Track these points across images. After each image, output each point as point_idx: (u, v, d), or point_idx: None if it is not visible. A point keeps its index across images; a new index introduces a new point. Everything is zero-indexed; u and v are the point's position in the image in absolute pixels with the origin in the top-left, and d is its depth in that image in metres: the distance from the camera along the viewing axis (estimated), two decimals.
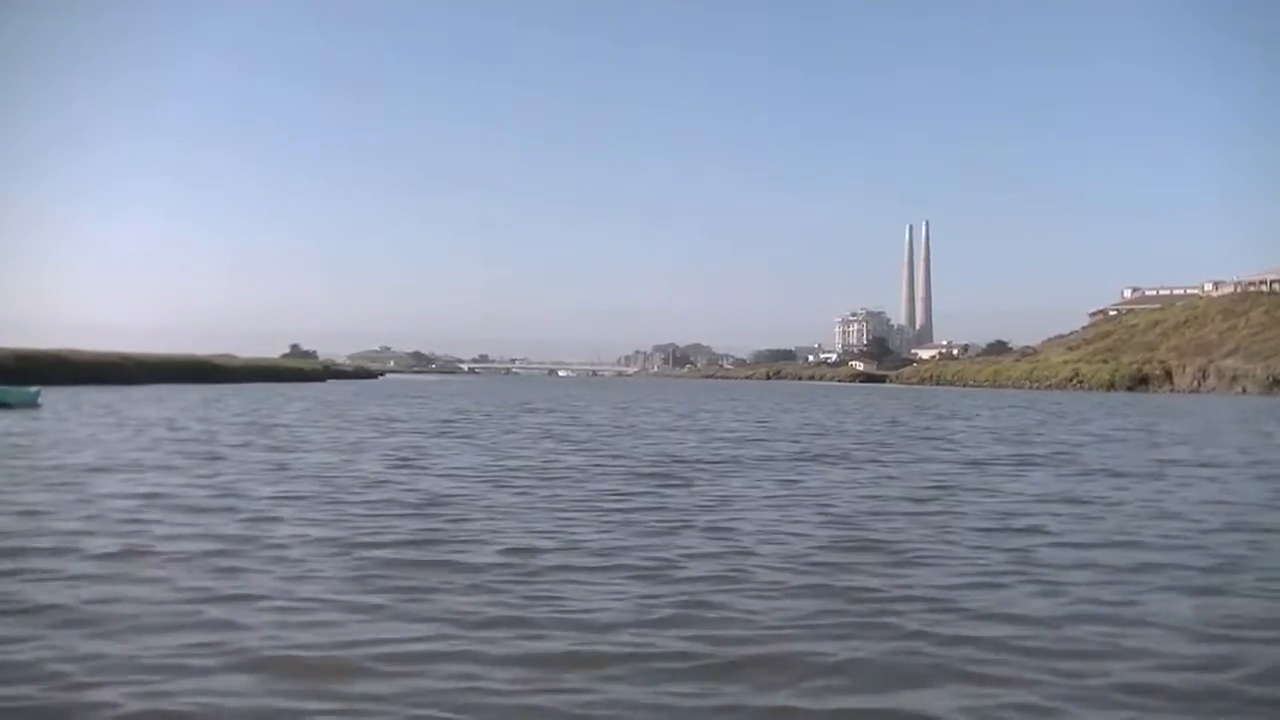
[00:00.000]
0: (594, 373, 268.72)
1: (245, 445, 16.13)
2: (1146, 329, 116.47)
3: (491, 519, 8.97)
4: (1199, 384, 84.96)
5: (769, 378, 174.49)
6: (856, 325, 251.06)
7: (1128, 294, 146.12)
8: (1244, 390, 79.18)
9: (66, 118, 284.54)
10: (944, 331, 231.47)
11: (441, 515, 9.13)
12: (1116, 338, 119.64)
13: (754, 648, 4.97)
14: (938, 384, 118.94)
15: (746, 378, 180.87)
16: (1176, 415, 37.11)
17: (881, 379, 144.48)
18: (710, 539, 8.16)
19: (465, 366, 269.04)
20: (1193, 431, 26.27)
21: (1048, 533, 8.79)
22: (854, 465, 15.01)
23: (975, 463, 15.76)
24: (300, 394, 39.28)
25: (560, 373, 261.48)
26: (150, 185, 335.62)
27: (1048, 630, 5.38)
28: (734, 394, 61.68)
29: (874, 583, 6.53)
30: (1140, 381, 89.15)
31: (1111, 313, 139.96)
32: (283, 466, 12.94)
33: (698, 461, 15.18)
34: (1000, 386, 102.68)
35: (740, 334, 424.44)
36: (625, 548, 7.62)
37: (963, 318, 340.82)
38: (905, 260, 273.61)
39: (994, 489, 12.08)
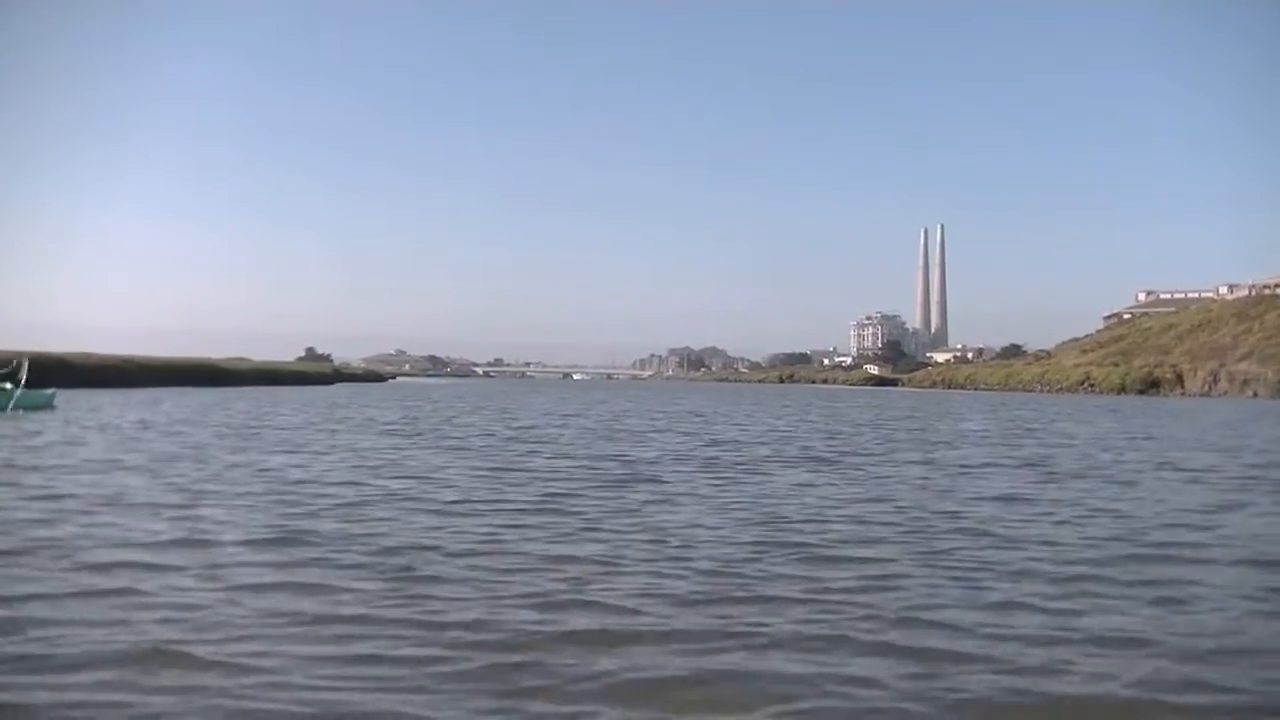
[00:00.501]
0: (609, 376, 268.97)
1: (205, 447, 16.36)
2: (1160, 332, 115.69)
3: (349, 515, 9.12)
4: (1210, 387, 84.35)
5: (782, 381, 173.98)
6: (871, 329, 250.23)
7: (1142, 297, 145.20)
8: (1255, 394, 78.55)
9: (68, 116, 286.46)
10: (959, 335, 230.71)
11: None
12: (1130, 341, 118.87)
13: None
14: (949, 387, 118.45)
15: (760, 381, 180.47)
16: (1167, 417, 36.95)
17: (894, 382, 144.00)
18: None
19: (480, 370, 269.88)
20: (1169, 434, 26.19)
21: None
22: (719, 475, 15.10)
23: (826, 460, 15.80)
24: (295, 398, 39.54)
25: (575, 376, 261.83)
26: (158, 185, 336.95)
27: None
28: (727, 397, 61.69)
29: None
30: (1151, 385, 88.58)
31: (1126, 316, 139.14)
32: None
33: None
34: (1011, 390, 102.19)
35: (756, 337, 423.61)
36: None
37: (978, 321, 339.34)
38: (920, 264, 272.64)
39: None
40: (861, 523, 8.89)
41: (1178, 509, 10.29)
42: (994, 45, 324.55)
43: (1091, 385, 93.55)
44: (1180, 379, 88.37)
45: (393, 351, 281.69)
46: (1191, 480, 13.47)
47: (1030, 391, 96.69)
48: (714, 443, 19.51)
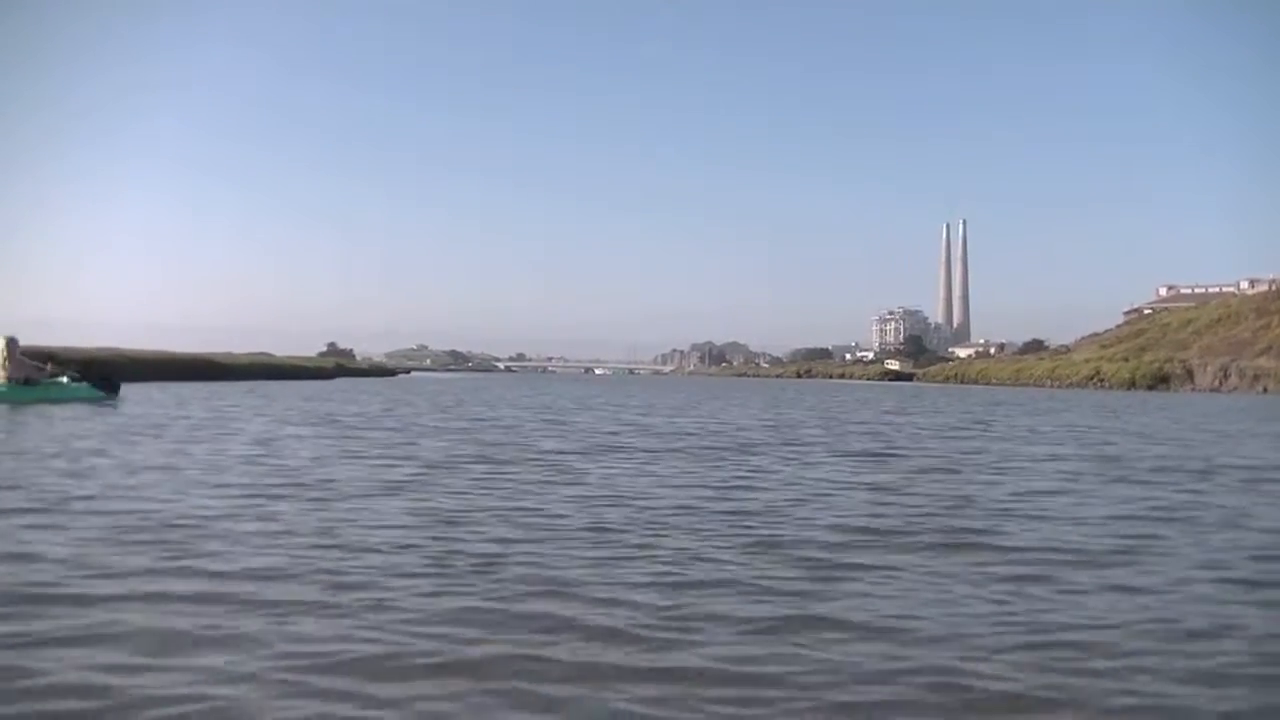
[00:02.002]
0: (631, 371, 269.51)
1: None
2: (1179, 327, 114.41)
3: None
4: (1220, 383, 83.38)
5: (799, 376, 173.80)
6: (894, 324, 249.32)
7: (1163, 292, 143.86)
8: (1265, 389, 77.58)
9: (83, 103, 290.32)
10: (982, 330, 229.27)
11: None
12: (1149, 336, 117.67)
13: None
14: (962, 382, 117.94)
15: (778, 376, 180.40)
16: (1155, 411, 36.71)
17: (910, 377, 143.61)
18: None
19: (502, 365, 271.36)
20: (1126, 427, 26.13)
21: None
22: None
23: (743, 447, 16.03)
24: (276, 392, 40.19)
25: (597, 371, 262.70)
26: (181, 179, 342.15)
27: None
28: (725, 391, 61.84)
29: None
30: (1161, 380, 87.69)
31: (1146, 311, 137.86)
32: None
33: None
34: (1023, 384, 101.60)
35: (778, 333, 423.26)
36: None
37: (1001, 316, 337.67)
38: (943, 258, 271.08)
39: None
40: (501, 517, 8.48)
41: (941, 495, 10.48)
42: (1017, 41, 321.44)
43: (1101, 380, 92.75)
44: (1190, 374, 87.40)
45: (414, 346, 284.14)
46: (1058, 471, 13.60)
47: (1041, 386, 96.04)
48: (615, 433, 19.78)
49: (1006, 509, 9.29)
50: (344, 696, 3.87)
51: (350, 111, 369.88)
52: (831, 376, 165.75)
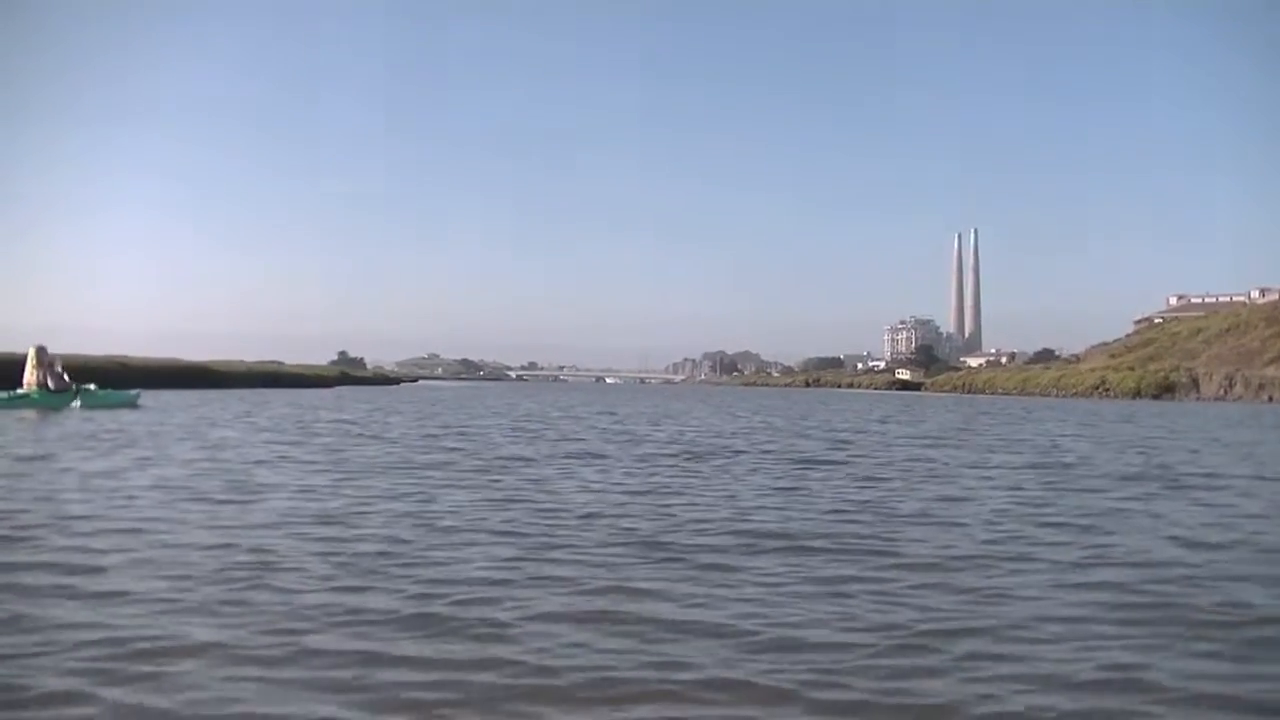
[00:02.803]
0: (642, 380, 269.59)
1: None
2: (1189, 336, 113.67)
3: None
4: (1225, 391, 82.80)
5: (808, 385, 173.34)
6: (905, 333, 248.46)
7: (1173, 301, 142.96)
8: (1270, 398, 76.98)
9: (84, 113, 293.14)
10: (994, 339, 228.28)
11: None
12: (1159, 345, 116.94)
13: None
14: (969, 391, 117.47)
15: (786, 385, 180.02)
16: (1149, 419, 36.59)
17: (918, 387, 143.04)
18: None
19: (513, 374, 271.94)
20: (1102, 435, 26.14)
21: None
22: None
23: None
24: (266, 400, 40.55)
25: (608, 380, 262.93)
26: (193, 191, 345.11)
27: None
28: (722, 400, 61.96)
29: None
30: (1166, 389, 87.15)
31: (1156, 320, 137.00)
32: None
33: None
34: (1029, 394, 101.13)
35: (791, 342, 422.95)
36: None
37: (1013, 326, 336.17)
38: (954, 268, 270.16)
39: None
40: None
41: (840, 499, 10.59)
42: (1026, 52, 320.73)
43: (1106, 390, 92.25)
44: (1195, 383, 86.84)
45: (425, 355, 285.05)
46: (981, 477, 13.68)
47: (1046, 396, 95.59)
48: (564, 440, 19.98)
49: (891, 513, 9.41)
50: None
51: (360, 122, 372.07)
52: (840, 386, 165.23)
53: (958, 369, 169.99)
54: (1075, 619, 5.26)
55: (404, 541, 7.18)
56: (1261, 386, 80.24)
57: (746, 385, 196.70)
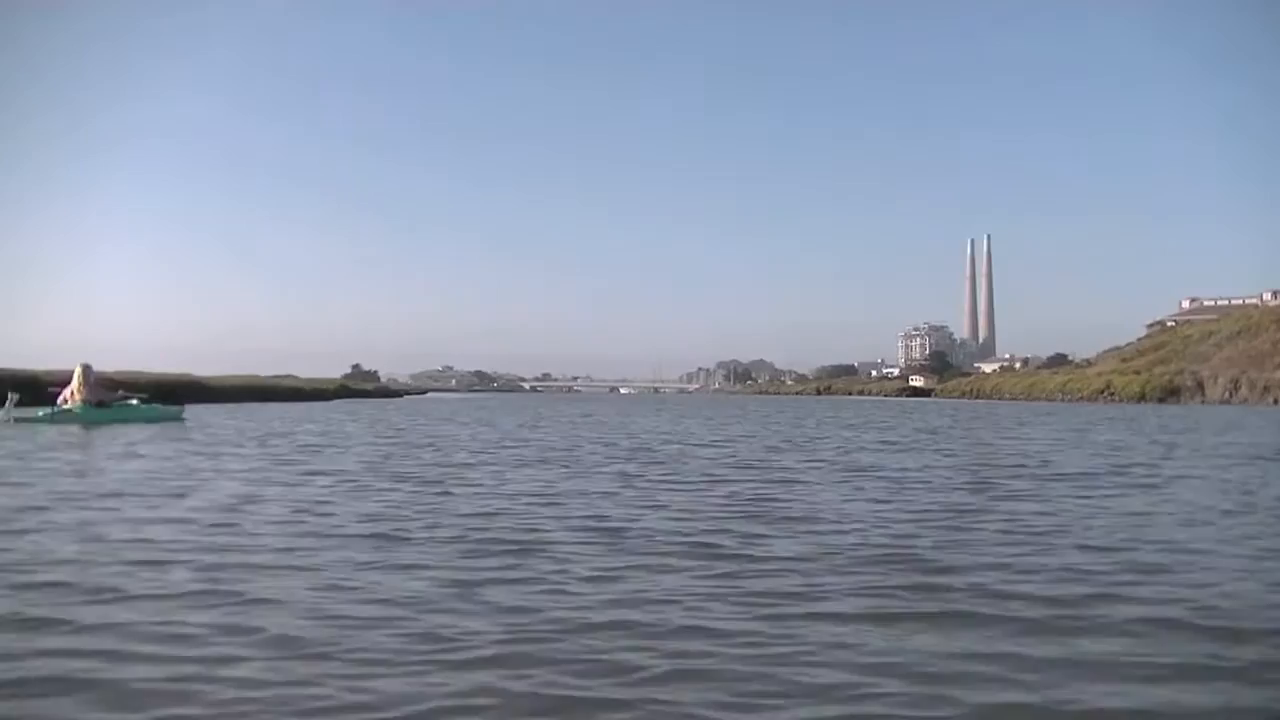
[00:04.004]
0: (655, 390, 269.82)
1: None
2: (1200, 339, 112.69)
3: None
4: (1231, 394, 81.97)
5: (819, 393, 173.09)
6: (919, 339, 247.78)
7: (1186, 304, 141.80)
8: (1276, 400, 76.14)
9: (102, 125, 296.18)
10: (1008, 345, 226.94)
11: None
12: (1170, 348, 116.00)
13: None
14: (977, 397, 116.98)
15: (798, 394, 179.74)
16: (1133, 423, 36.40)
17: (928, 393, 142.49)
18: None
19: (527, 385, 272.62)
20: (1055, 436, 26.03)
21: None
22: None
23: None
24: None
25: (622, 390, 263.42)
26: (214, 206, 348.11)
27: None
28: (727, 410, 62.02)
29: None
30: (1172, 392, 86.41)
31: (1169, 323, 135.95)
32: None
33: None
34: (1036, 399, 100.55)
35: (807, 350, 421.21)
36: None
37: (1027, 331, 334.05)
38: (967, 274, 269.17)
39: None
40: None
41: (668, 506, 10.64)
42: (1040, 54, 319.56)
43: (1112, 394, 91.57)
44: (1201, 386, 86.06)
45: (439, 368, 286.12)
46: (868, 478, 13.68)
47: (1052, 400, 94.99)
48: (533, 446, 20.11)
49: (758, 514, 9.45)
50: None
51: (374, 133, 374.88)
52: (850, 393, 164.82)
53: (971, 375, 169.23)
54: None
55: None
56: (1267, 389, 79.37)
57: (759, 394, 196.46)
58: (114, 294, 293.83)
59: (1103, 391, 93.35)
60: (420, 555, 6.85)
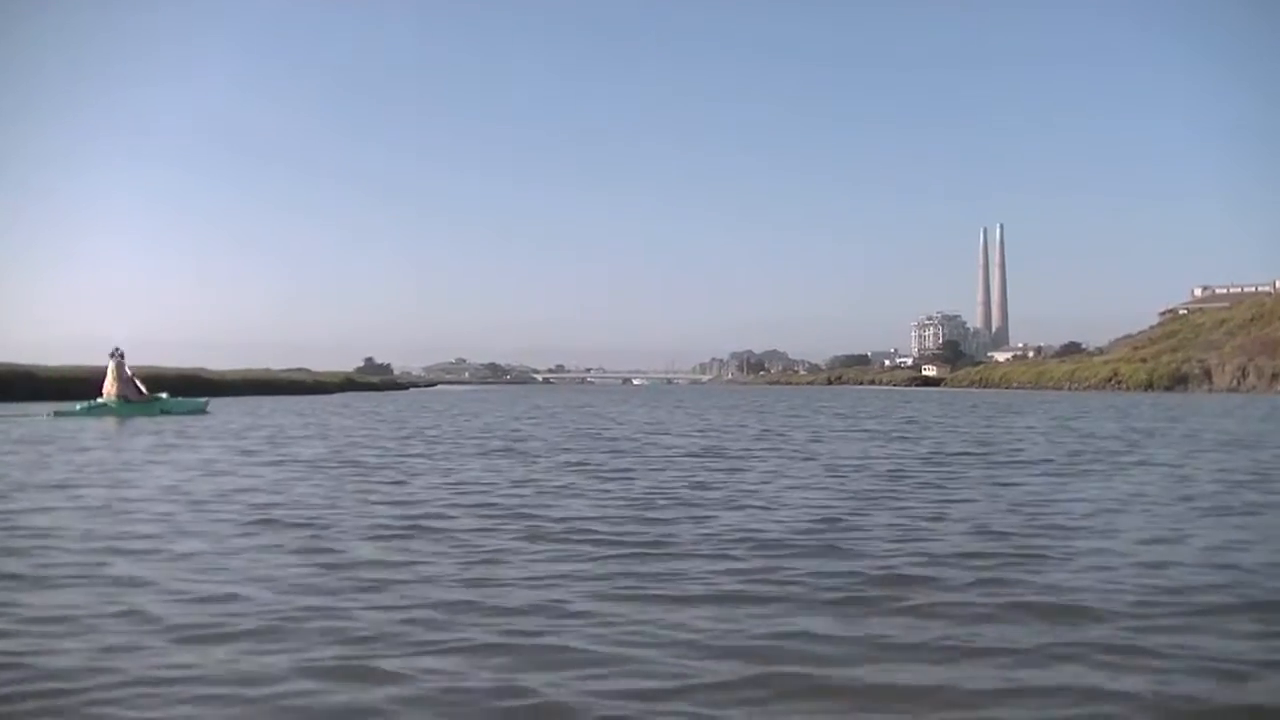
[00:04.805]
0: (669, 380, 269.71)
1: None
2: (1212, 328, 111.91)
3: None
4: (1238, 382, 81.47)
5: (830, 383, 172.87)
6: (932, 329, 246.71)
7: (1198, 293, 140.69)
8: None
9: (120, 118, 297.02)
10: (1021, 334, 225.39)
11: None
12: (1181, 337, 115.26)
13: None
14: (986, 386, 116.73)
15: (809, 384, 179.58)
16: (1125, 410, 36.30)
17: (938, 382, 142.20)
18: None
19: (539, 377, 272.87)
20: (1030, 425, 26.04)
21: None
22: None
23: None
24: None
25: (635, 381, 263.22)
26: (228, 201, 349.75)
27: None
28: (730, 400, 62.13)
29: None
30: (1179, 381, 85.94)
31: (1181, 312, 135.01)
32: None
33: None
34: (1043, 388, 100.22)
35: (820, 340, 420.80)
36: None
37: (1041, 320, 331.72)
38: (980, 263, 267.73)
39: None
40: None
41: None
42: (1053, 42, 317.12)
43: (1119, 382, 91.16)
44: (1208, 374, 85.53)
45: (452, 360, 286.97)
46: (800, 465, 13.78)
47: (1059, 389, 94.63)
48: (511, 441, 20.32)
49: (678, 499, 9.62)
50: None
51: (381, 126, 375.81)
52: (861, 383, 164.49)
53: (984, 364, 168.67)
54: None
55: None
56: (1275, 376, 78.85)
57: (770, 384, 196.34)
58: (131, 289, 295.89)
59: (1109, 380, 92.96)
60: (282, 538, 7.06)
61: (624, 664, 4.21)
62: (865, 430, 22.95)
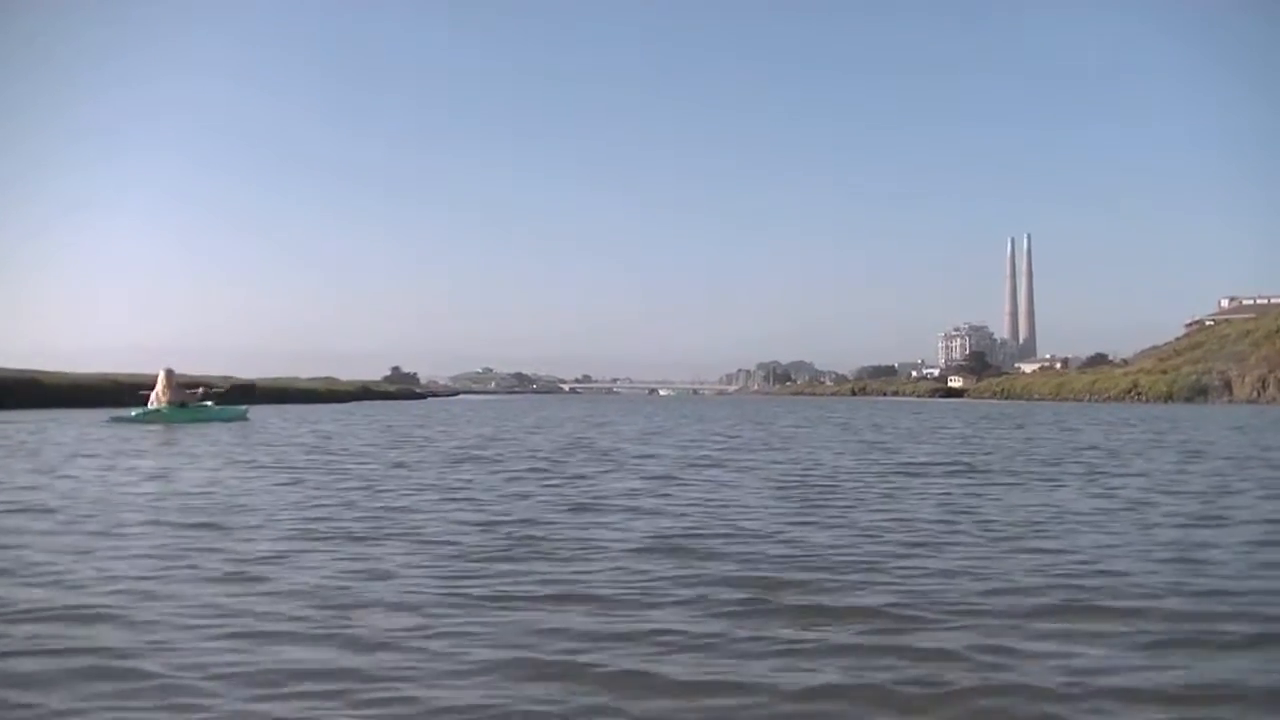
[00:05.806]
0: (695, 391, 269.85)
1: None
2: (1238, 339, 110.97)
3: None
4: (1259, 393, 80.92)
5: (854, 394, 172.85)
6: (960, 340, 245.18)
7: (1225, 304, 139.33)
8: None
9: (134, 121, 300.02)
10: (1049, 345, 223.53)
11: None
12: (1207, 348, 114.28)
13: None
14: (1007, 397, 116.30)
15: (832, 395, 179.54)
16: (1134, 421, 36.52)
17: (961, 393, 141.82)
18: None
19: (566, 387, 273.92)
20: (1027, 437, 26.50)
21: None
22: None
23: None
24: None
25: (661, 391, 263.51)
26: (253, 207, 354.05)
27: None
28: (749, 411, 62.59)
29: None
30: (1199, 392, 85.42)
31: (1208, 323, 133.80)
32: None
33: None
34: (1064, 399, 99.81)
35: (848, 351, 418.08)
36: None
37: (1070, 331, 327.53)
38: (1008, 273, 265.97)
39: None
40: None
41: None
42: (1087, 56, 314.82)
43: (1139, 393, 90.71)
44: (1228, 385, 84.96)
45: (479, 369, 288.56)
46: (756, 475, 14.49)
47: (1079, 401, 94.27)
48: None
49: (573, 505, 10.47)
50: None
51: (409, 134, 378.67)
52: (885, 394, 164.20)
53: (1010, 375, 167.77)
54: None
55: None
56: None
57: (795, 395, 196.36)
58: (165, 298, 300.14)
59: (1129, 391, 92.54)
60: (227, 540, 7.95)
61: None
62: (865, 441, 23.69)
